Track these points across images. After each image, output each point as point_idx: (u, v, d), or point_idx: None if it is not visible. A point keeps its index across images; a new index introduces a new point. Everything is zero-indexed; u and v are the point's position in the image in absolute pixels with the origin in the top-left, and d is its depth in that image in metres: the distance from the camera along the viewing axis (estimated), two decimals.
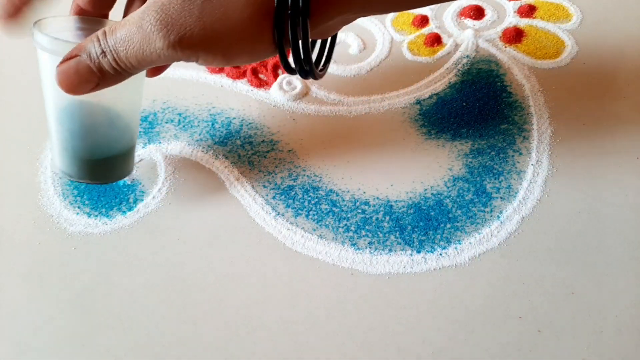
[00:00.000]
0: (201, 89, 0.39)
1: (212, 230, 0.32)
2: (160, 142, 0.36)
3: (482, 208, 0.32)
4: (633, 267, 0.29)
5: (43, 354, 0.28)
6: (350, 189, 0.33)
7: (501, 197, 0.32)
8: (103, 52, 0.24)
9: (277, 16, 0.24)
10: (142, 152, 0.36)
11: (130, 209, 0.33)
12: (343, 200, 0.32)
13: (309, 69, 0.27)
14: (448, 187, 0.33)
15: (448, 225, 0.31)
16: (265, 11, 0.24)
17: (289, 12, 0.24)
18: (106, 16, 0.31)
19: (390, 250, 0.30)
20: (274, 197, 0.33)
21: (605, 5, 0.42)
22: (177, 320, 0.29)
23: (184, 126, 0.37)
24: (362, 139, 0.35)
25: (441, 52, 0.40)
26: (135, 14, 0.24)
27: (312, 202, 0.33)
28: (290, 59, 0.27)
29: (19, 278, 0.31)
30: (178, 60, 0.25)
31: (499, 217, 0.31)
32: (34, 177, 0.35)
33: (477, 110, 0.36)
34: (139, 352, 0.28)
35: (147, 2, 0.24)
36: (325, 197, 0.33)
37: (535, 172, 0.33)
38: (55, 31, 0.28)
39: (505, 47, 0.40)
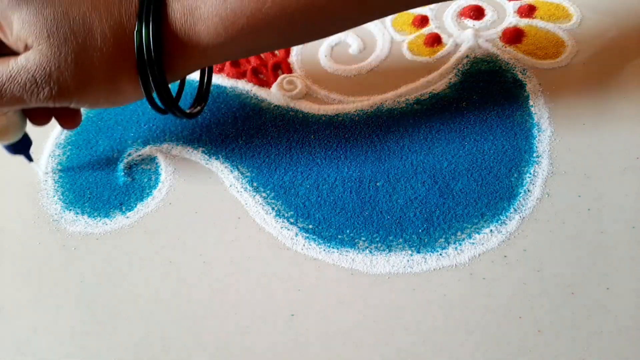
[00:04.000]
0: None
1: (211, 230, 0.32)
2: (160, 143, 0.36)
3: (482, 208, 0.32)
4: (633, 267, 0.29)
5: (43, 354, 0.28)
6: (350, 189, 0.33)
7: (501, 197, 0.32)
8: None
9: (140, 68, 0.27)
10: (143, 152, 0.36)
11: (130, 209, 0.33)
12: (343, 200, 0.32)
13: (177, 111, 0.30)
14: (448, 187, 0.32)
15: (448, 225, 0.31)
16: (127, 67, 0.27)
17: (147, 62, 0.26)
18: None
19: (390, 250, 0.30)
20: (274, 197, 0.33)
21: (605, 5, 0.42)
22: (176, 320, 0.29)
23: (183, 126, 0.37)
24: (362, 139, 0.35)
25: (441, 52, 0.40)
26: (16, 64, 0.26)
27: (312, 201, 0.33)
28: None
29: (19, 278, 0.31)
30: (53, 106, 0.27)
31: (499, 217, 0.31)
32: (33, 177, 0.35)
33: (477, 110, 0.36)
34: (139, 352, 0.28)
35: (24, 55, 0.26)
36: (325, 197, 0.33)
37: (535, 172, 0.33)
38: None
39: (505, 47, 0.40)
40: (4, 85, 0.26)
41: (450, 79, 0.38)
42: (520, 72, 0.38)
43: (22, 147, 0.33)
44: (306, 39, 0.30)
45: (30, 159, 0.34)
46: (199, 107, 0.34)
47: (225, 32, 0.27)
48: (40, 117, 0.31)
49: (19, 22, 0.25)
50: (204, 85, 0.35)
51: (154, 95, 0.28)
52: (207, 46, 0.27)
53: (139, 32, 0.26)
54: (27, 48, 0.26)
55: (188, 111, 0.32)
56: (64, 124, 0.32)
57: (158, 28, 0.26)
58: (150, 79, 0.27)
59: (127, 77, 0.27)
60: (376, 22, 0.42)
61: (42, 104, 0.27)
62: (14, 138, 0.31)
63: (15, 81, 0.26)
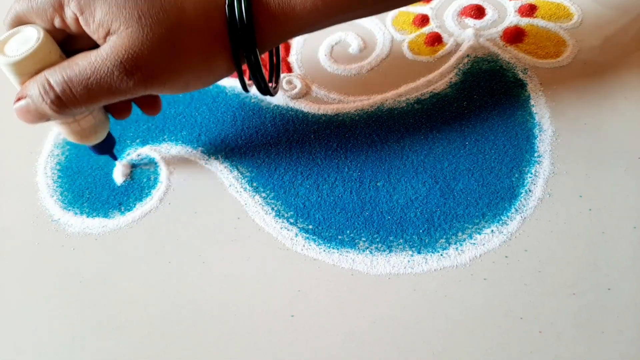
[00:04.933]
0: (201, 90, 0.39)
1: (211, 230, 0.32)
2: (159, 142, 0.36)
3: (483, 208, 0.31)
4: (634, 267, 0.29)
5: (43, 354, 0.28)
6: (350, 189, 0.33)
7: (502, 197, 0.32)
8: (46, 92, 0.25)
9: (232, 41, 0.26)
10: (142, 152, 0.36)
11: (129, 209, 0.33)
12: (343, 200, 0.32)
13: (263, 85, 0.30)
14: (449, 187, 0.32)
15: (449, 226, 0.31)
16: (220, 46, 0.26)
17: (239, 34, 0.26)
18: None
19: (390, 250, 0.30)
20: (273, 197, 0.33)
21: (606, 4, 0.42)
22: (176, 320, 0.29)
23: (182, 126, 0.37)
24: (362, 139, 0.35)
25: (442, 52, 0.40)
26: (99, 54, 0.25)
27: (312, 201, 0.32)
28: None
29: (19, 278, 0.31)
30: (139, 95, 0.26)
31: (500, 217, 0.31)
32: (33, 178, 0.35)
33: (477, 109, 0.36)
34: (138, 352, 0.28)
35: (109, 42, 0.25)
36: (325, 197, 0.33)
37: (536, 171, 0.33)
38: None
39: (506, 46, 0.40)
40: (90, 79, 0.25)
41: (451, 78, 0.38)
42: (521, 71, 0.38)
43: (108, 146, 0.32)
44: (389, 7, 0.31)
45: (115, 157, 0.34)
46: (276, 84, 0.34)
47: (324, 5, 0.27)
48: (122, 109, 0.31)
49: (104, 6, 0.24)
50: (275, 60, 0.34)
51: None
52: (299, 18, 0.27)
53: (231, 5, 0.25)
54: (108, 35, 0.25)
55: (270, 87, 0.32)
56: (148, 109, 0.31)
57: (249, 0, 0.26)
58: (243, 53, 0.26)
59: (219, 52, 0.26)
60: (376, 21, 0.42)
61: (132, 94, 0.26)
62: (102, 137, 0.31)
63: (102, 72, 0.25)
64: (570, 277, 0.29)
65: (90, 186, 0.34)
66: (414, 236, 0.31)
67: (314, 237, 0.31)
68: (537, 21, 0.41)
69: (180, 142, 0.36)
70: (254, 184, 0.34)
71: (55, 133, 0.37)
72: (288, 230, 0.31)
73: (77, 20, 0.25)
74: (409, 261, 0.30)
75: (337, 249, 0.31)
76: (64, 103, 0.25)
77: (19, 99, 0.26)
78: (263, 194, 0.33)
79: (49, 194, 0.34)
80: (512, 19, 0.42)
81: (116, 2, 0.24)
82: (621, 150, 0.33)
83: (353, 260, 0.30)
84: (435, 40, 0.41)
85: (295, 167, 0.34)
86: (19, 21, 0.27)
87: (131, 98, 0.29)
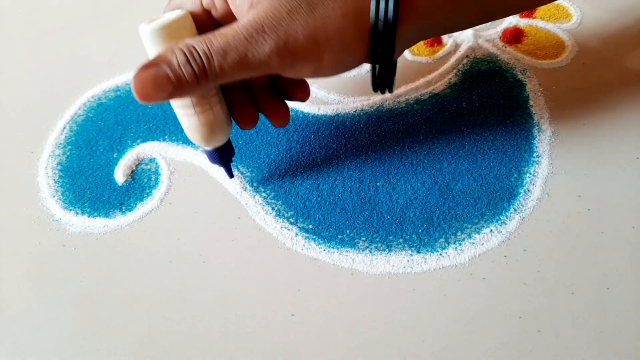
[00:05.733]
0: None
1: (211, 230, 0.32)
2: (160, 142, 0.36)
3: (482, 208, 0.32)
4: (633, 267, 0.29)
5: (43, 354, 0.28)
6: (350, 189, 0.33)
7: (501, 197, 0.32)
8: (192, 57, 0.24)
9: (373, 29, 0.25)
10: (142, 152, 0.36)
11: (130, 209, 0.33)
12: (343, 200, 0.32)
13: (390, 81, 0.28)
14: (448, 187, 0.32)
15: (448, 226, 0.31)
16: (359, 24, 0.25)
17: (381, 25, 0.25)
18: None
19: (390, 250, 0.30)
20: (274, 197, 0.33)
21: (605, 5, 0.42)
22: (176, 320, 0.29)
23: None
24: (361, 139, 0.35)
25: (441, 52, 0.40)
26: (239, 23, 0.24)
27: (312, 201, 0.33)
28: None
29: (19, 278, 0.31)
30: (272, 70, 0.25)
31: (499, 217, 0.31)
32: (34, 178, 0.35)
33: (477, 110, 0.36)
34: (138, 352, 0.28)
35: (250, 12, 0.25)
36: (325, 197, 0.33)
37: (535, 172, 0.33)
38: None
39: (505, 47, 0.40)
40: (229, 45, 0.24)
41: (450, 79, 0.38)
42: (520, 72, 0.38)
43: (225, 155, 0.31)
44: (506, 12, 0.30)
45: (231, 174, 0.33)
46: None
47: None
48: (248, 116, 0.30)
49: None
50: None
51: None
52: (441, 7, 0.26)
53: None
54: (251, 8, 0.25)
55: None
56: (275, 118, 0.30)
57: None
58: (383, 38, 0.25)
59: (356, 36, 0.26)
60: None
61: (266, 65, 0.25)
62: (220, 140, 0.29)
63: (241, 37, 0.24)
64: (569, 277, 0.29)
65: (92, 186, 0.34)
66: (413, 236, 0.31)
67: (314, 237, 0.31)
68: (536, 22, 0.41)
69: (181, 142, 0.36)
70: (254, 184, 0.34)
71: (56, 133, 0.37)
72: (288, 230, 0.32)
73: None
74: (408, 261, 0.30)
75: (337, 248, 0.31)
76: (204, 68, 0.24)
77: (147, 67, 0.24)
78: (263, 194, 0.33)
79: (50, 194, 0.34)
80: (511, 19, 0.42)
81: None
82: (620, 150, 0.33)
83: (353, 260, 0.30)
84: (435, 41, 0.41)
85: (295, 167, 0.34)
86: (177, 7, 0.28)
87: (252, 105, 0.30)
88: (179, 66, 0.24)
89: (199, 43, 0.24)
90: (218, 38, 0.24)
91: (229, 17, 0.27)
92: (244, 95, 0.30)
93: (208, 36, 0.25)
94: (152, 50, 0.26)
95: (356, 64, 0.27)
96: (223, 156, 0.31)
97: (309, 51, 0.25)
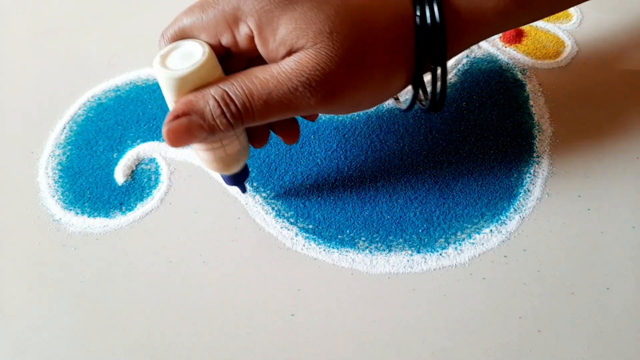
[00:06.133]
0: None
1: (211, 230, 0.32)
2: (160, 141, 0.36)
3: (482, 208, 0.32)
4: (633, 267, 0.29)
5: (43, 354, 0.28)
6: (350, 189, 0.33)
7: (501, 197, 0.32)
8: (226, 105, 0.23)
9: (419, 48, 0.25)
10: (142, 152, 0.36)
11: (130, 209, 0.33)
12: (343, 200, 0.32)
13: (440, 100, 0.27)
14: (448, 187, 0.32)
15: (448, 225, 0.31)
16: (401, 50, 0.25)
17: (429, 43, 0.24)
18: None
19: (390, 250, 0.30)
20: (274, 197, 0.33)
21: (605, 5, 0.42)
22: (176, 320, 0.29)
23: None
24: (362, 139, 0.35)
25: None
26: (281, 69, 0.23)
27: (312, 201, 0.33)
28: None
29: (19, 278, 0.31)
30: (311, 112, 0.25)
31: (499, 217, 0.31)
32: (34, 178, 0.35)
33: (477, 110, 0.36)
34: (139, 352, 0.28)
35: (293, 59, 0.23)
36: (325, 197, 0.33)
37: (535, 172, 0.33)
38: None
39: (505, 47, 0.40)
40: (271, 93, 0.23)
41: (450, 79, 0.38)
42: (520, 72, 0.38)
43: (243, 176, 0.30)
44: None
45: (245, 189, 0.32)
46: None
47: (517, 7, 0.25)
48: (262, 137, 0.29)
49: (290, 23, 0.23)
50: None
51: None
52: (488, 25, 0.26)
53: (422, 15, 0.24)
54: (290, 54, 0.23)
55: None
56: (288, 137, 0.29)
57: (440, 9, 0.24)
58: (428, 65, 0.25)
59: (400, 65, 0.25)
60: None
61: (308, 111, 0.24)
62: (242, 165, 0.29)
63: (285, 88, 0.23)
64: (569, 277, 0.29)
65: (92, 186, 0.34)
66: (413, 236, 0.31)
67: (314, 237, 0.31)
68: (536, 22, 0.41)
69: None
70: (254, 184, 0.34)
71: (56, 133, 0.37)
72: (288, 229, 0.32)
73: (250, 38, 0.24)
74: (408, 261, 0.30)
75: (337, 248, 0.31)
76: (241, 117, 0.24)
77: (177, 117, 0.23)
78: (263, 194, 0.33)
79: (50, 194, 0.34)
80: None
81: (304, 18, 0.23)
82: (620, 150, 0.33)
83: (353, 260, 0.30)
84: None
85: (295, 167, 0.34)
86: (182, 35, 0.25)
87: (268, 125, 0.29)
88: (213, 118, 0.23)
89: (237, 92, 0.23)
90: (259, 87, 0.23)
91: (243, 57, 0.26)
92: None
93: (245, 82, 0.23)
94: (175, 94, 0.24)
95: (395, 93, 0.27)
96: (240, 178, 0.30)
97: (351, 97, 0.25)
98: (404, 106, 0.29)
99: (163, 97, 0.38)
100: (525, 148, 0.34)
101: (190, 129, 0.23)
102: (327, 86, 0.23)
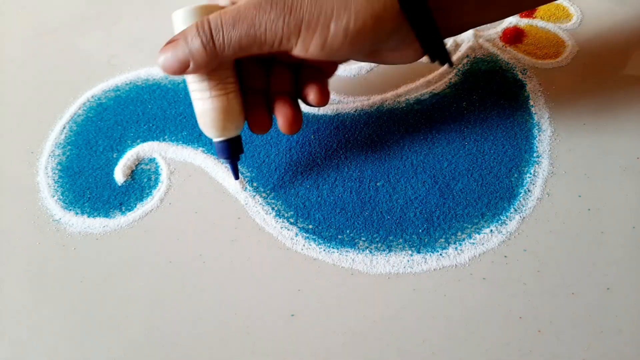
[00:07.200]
0: None
1: (211, 230, 0.32)
2: (160, 142, 0.36)
3: (483, 208, 0.32)
4: (633, 267, 0.29)
5: (43, 354, 0.28)
6: (350, 189, 0.33)
7: (501, 197, 0.32)
8: (203, 30, 0.25)
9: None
10: (142, 152, 0.36)
11: (130, 209, 0.33)
12: (343, 200, 0.32)
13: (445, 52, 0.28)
14: (448, 187, 0.32)
15: (448, 226, 0.31)
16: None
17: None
18: None
19: (390, 250, 0.30)
20: (274, 197, 0.33)
21: (605, 5, 0.42)
22: (176, 320, 0.29)
23: (183, 126, 0.37)
24: (361, 139, 0.35)
25: None
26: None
27: (312, 201, 0.33)
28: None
29: (19, 278, 0.31)
30: (283, 46, 0.26)
31: (499, 217, 0.31)
32: (34, 178, 0.35)
33: (477, 110, 0.36)
34: (138, 352, 0.28)
35: None
36: (325, 197, 0.33)
37: (536, 172, 0.33)
38: None
39: (506, 47, 0.40)
40: (239, 12, 0.25)
41: (450, 78, 0.38)
42: (521, 72, 0.38)
43: (234, 150, 0.30)
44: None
45: (236, 174, 0.32)
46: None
47: None
48: (261, 119, 0.30)
49: None
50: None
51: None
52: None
53: None
54: None
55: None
56: (286, 121, 0.30)
57: None
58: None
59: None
60: None
61: (272, 36, 0.25)
62: (231, 131, 0.29)
63: (250, 5, 0.25)
64: (569, 277, 0.29)
65: (91, 186, 0.34)
66: (413, 236, 0.31)
67: (314, 237, 0.31)
68: (537, 22, 0.41)
69: (181, 142, 0.36)
70: (254, 184, 0.34)
71: (56, 133, 0.37)
72: (288, 230, 0.32)
73: None
74: (408, 261, 0.30)
75: (337, 248, 0.31)
76: (212, 42, 0.25)
77: (168, 42, 0.26)
78: (263, 194, 0.33)
79: (50, 194, 0.34)
80: (512, 19, 0.42)
81: None
82: (620, 150, 0.33)
83: (353, 260, 0.30)
84: None
85: (295, 167, 0.34)
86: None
87: (265, 105, 0.30)
88: (191, 39, 0.25)
89: (214, 16, 0.25)
90: (231, 9, 0.25)
91: None
92: (259, 98, 0.30)
93: (224, 9, 0.25)
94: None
95: (379, 36, 0.26)
96: (232, 150, 0.30)
97: (314, 20, 0.25)
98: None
99: (163, 97, 0.38)
100: (526, 148, 0.34)
101: (176, 52, 0.26)
102: (288, 2, 0.25)
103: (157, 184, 0.34)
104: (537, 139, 0.34)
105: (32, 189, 0.35)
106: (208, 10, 0.27)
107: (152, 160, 0.35)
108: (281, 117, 0.30)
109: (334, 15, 0.25)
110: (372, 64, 0.40)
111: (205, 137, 0.36)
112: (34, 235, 0.33)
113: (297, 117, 0.30)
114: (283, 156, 0.35)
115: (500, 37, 0.40)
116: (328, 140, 0.35)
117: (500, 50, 0.40)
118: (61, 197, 0.34)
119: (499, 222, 0.31)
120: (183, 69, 0.26)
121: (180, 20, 0.27)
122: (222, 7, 0.27)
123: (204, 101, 0.28)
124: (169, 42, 0.26)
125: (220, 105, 0.28)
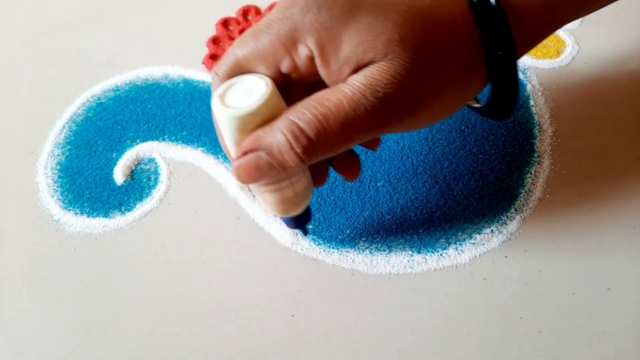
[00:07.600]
0: (201, 90, 0.39)
1: (211, 230, 0.32)
2: (159, 142, 0.36)
3: (483, 208, 0.32)
4: (633, 267, 0.29)
5: (43, 354, 0.28)
6: (350, 189, 0.33)
7: (502, 197, 0.32)
8: (297, 138, 0.21)
9: (487, 50, 0.22)
10: (142, 152, 0.36)
11: (129, 209, 0.33)
12: (343, 200, 0.32)
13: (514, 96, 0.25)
14: (448, 187, 0.32)
15: (448, 226, 0.31)
16: (475, 44, 0.22)
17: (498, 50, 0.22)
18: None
19: (390, 250, 0.30)
20: None
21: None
22: (176, 320, 0.29)
23: (182, 126, 0.37)
24: None
25: None
26: (353, 87, 0.21)
27: (312, 201, 0.32)
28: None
29: (19, 278, 0.31)
30: (387, 130, 0.22)
31: (499, 217, 0.31)
32: (33, 178, 0.35)
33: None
34: (138, 352, 0.28)
35: (362, 75, 0.21)
36: (325, 197, 0.33)
37: (536, 172, 0.33)
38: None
39: None
40: (348, 115, 0.21)
41: None
42: (521, 71, 0.38)
43: (307, 216, 0.28)
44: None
45: (306, 231, 0.30)
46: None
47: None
48: (321, 173, 0.27)
49: (354, 37, 0.21)
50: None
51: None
52: (556, 22, 0.24)
53: (484, 10, 0.21)
54: (357, 70, 0.21)
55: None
56: (349, 173, 0.27)
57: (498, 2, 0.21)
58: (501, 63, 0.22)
59: (478, 59, 0.22)
60: None
61: (385, 130, 0.22)
62: (307, 203, 0.27)
63: (361, 106, 0.21)
64: (570, 277, 0.29)
65: (91, 186, 0.34)
66: (413, 236, 0.31)
67: (314, 237, 0.31)
68: None
69: (180, 142, 0.36)
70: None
71: (55, 133, 0.37)
72: (288, 230, 0.31)
73: (311, 59, 0.22)
74: (408, 261, 0.30)
75: (337, 248, 0.31)
76: (315, 148, 0.21)
77: (244, 154, 0.22)
78: None
79: (50, 194, 0.34)
80: None
81: (369, 30, 0.21)
82: (620, 150, 0.33)
83: (353, 260, 0.30)
84: None
85: None
86: (237, 69, 0.23)
87: (325, 161, 0.27)
88: (281, 154, 0.21)
89: (309, 121, 0.21)
90: (333, 111, 0.21)
91: (302, 84, 0.24)
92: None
93: (317, 108, 0.21)
94: (239, 133, 0.22)
95: (474, 94, 0.24)
96: (303, 218, 0.28)
97: (429, 108, 0.22)
98: (480, 104, 0.26)
99: (162, 97, 0.38)
100: (526, 148, 0.34)
101: (259, 166, 0.22)
102: (406, 99, 0.21)
103: (157, 184, 0.34)
104: (537, 139, 0.34)
105: (32, 189, 0.35)
106: (270, 103, 0.22)
107: (151, 160, 0.35)
108: (343, 171, 0.28)
109: (448, 95, 0.23)
110: None
111: (205, 137, 0.36)
112: (34, 235, 0.32)
113: (357, 166, 0.28)
114: None
115: None
116: None
117: None
118: (61, 197, 0.34)
119: (500, 222, 0.31)
120: (271, 178, 0.23)
121: (230, 125, 0.22)
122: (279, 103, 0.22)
123: (283, 190, 0.25)
124: (244, 152, 0.22)
125: (300, 188, 0.25)
